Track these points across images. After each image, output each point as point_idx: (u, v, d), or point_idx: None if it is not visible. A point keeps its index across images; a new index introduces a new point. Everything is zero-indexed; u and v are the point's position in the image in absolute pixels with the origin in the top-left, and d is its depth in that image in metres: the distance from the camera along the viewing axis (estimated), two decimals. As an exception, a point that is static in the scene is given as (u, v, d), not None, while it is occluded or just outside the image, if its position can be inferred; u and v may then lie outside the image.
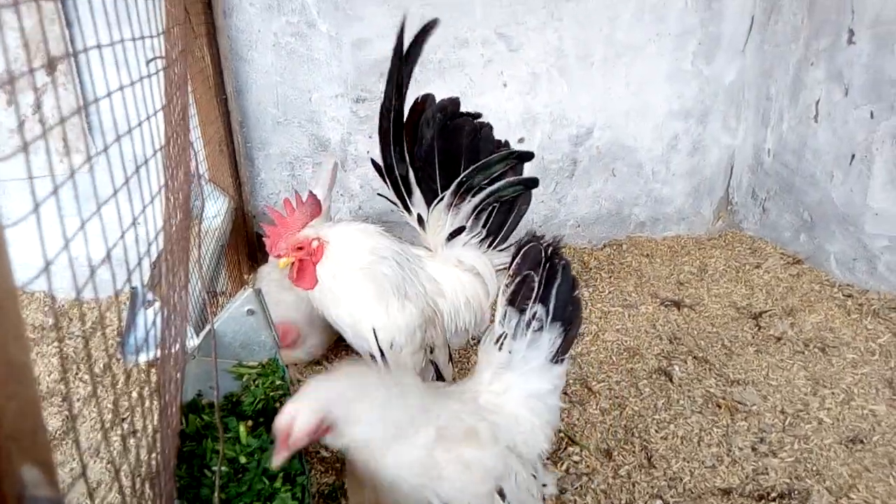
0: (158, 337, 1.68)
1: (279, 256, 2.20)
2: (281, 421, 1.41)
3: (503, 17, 3.54)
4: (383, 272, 2.25)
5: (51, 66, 2.78)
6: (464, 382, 1.91)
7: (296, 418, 1.43)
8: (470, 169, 2.44)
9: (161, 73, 1.70)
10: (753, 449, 2.43)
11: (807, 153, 3.72)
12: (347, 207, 3.74)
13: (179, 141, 1.56)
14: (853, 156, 3.40)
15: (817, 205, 3.67)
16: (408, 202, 2.52)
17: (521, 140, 3.81)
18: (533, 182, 2.53)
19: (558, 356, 1.85)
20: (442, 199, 2.48)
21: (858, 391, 2.71)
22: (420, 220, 2.56)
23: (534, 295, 1.77)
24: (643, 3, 3.70)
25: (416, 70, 3.55)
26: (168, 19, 1.81)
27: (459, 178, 2.44)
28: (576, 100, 3.82)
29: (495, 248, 2.61)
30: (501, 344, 1.81)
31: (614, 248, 4.10)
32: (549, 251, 1.80)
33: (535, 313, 1.78)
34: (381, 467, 1.52)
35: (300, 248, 2.19)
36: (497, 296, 2.67)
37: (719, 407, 2.64)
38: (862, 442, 2.44)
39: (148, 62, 1.78)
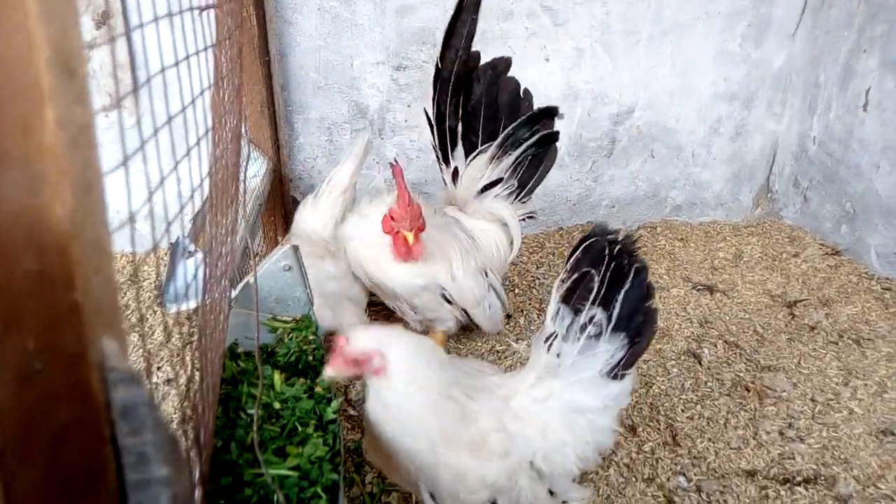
0: (200, 286, 1.72)
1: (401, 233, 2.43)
2: (343, 335, 1.50)
3: (549, -10, 3.50)
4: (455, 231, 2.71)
5: (102, 20, 2.83)
6: (509, 376, 1.78)
7: (358, 337, 1.51)
8: (516, 122, 2.63)
9: (211, 23, 1.73)
10: (781, 434, 2.41)
11: (853, 143, 3.63)
12: (383, 176, 3.75)
13: (231, 87, 1.59)
14: (902, 146, 3.31)
15: (861, 196, 3.59)
16: (449, 155, 2.67)
17: (560, 116, 3.77)
18: (555, 135, 2.78)
19: (618, 370, 1.65)
20: (485, 150, 2.65)
21: (892, 384, 2.67)
22: (455, 174, 2.67)
23: (592, 296, 1.60)
24: (693, -19, 3.62)
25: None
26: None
27: (506, 131, 2.62)
28: (619, 77, 3.77)
29: (520, 199, 2.82)
30: (551, 344, 1.66)
31: (648, 230, 4.06)
32: (617, 249, 1.62)
33: (592, 317, 1.60)
34: (394, 438, 1.52)
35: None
36: (518, 246, 2.78)
37: (748, 391, 2.63)
38: (893, 434, 2.41)
39: (200, 11, 1.80)
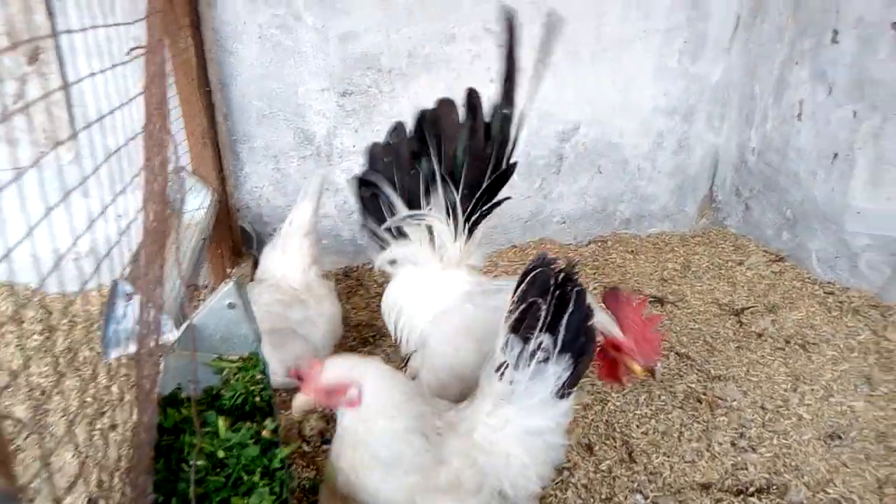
0: (137, 331, 1.66)
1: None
2: (315, 365, 1.52)
3: (491, 13, 3.53)
4: None
5: (33, 56, 2.74)
6: (464, 408, 1.78)
7: (334, 366, 1.54)
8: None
9: (142, 63, 1.69)
10: (733, 444, 2.45)
11: (790, 152, 3.75)
12: (333, 202, 3.72)
13: (157, 130, 1.55)
14: (836, 155, 3.43)
15: (800, 203, 3.70)
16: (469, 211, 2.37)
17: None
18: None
19: (565, 390, 1.70)
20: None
21: (837, 387, 2.74)
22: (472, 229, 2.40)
23: (540, 324, 1.64)
24: (630, 0, 3.70)
25: (403, 64, 3.55)
26: (149, 7, 1.79)
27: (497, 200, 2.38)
28: (563, 95, 3.83)
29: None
30: (503, 373, 1.69)
31: (599, 244, 4.12)
32: (561, 277, 1.66)
33: (540, 343, 1.64)
34: (362, 482, 1.54)
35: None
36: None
37: (700, 402, 2.67)
38: (840, 437, 2.47)
39: (128, 52, 1.76)
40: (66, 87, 2.88)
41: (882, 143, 3.16)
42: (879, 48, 3.13)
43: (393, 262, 2.50)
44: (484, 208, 2.35)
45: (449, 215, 2.34)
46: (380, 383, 1.58)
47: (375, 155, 2.42)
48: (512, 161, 2.33)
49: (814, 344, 3.03)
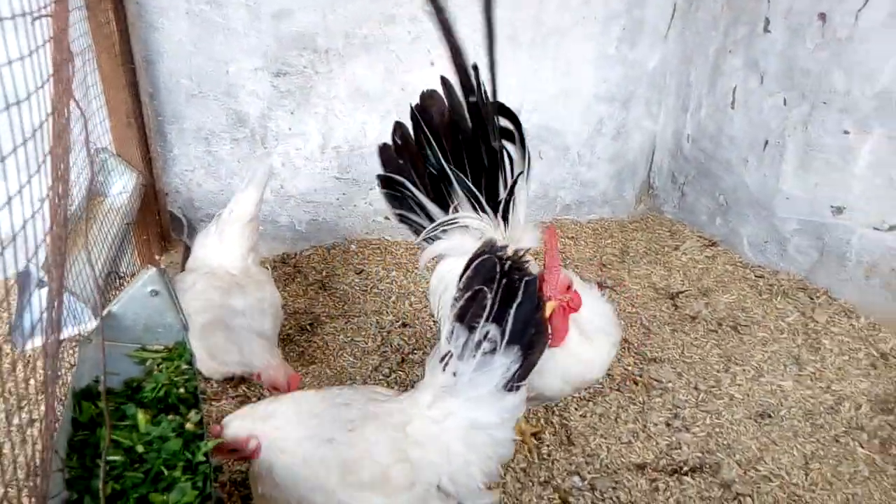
0: (45, 322, 1.55)
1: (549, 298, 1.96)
2: (216, 426, 1.57)
3: (430, -6, 3.47)
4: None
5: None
6: (401, 399, 1.72)
7: (230, 425, 1.58)
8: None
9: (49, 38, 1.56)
10: (668, 424, 2.49)
11: (723, 139, 3.83)
12: (269, 187, 3.59)
13: (65, 112, 1.44)
14: (767, 142, 3.52)
15: (732, 190, 3.79)
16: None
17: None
18: None
19: (513, 383, 1.63)
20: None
21: (768, 368, 2.82)
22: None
23: (486, 313, 1.58)
24: (570, -15, 3.70)
25: (340, 45, 3.46)
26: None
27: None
28: (504, 81, 3.75)
29: None
30: (447, 363, 1.63)
31: (541, 230, 4.12)
32: (508, 266, 1.60)
33: (486, 333, 1.58)
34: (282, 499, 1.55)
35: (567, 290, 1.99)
36: None
37: (636, 384, 2.70)
38: (770, 416, 2.54)
39: (34, 19, 1.63)
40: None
41: (810, 130, 3.26)
42: (807, 38, 3.22)
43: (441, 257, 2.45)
44: (506, 192, 2.31)
45: (476, 209, 2.32)
46: (276, 432, 1.58)
47: (388, 158, 2.39)
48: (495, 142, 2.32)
49: (745, 326, 3.11)
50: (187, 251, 3.32)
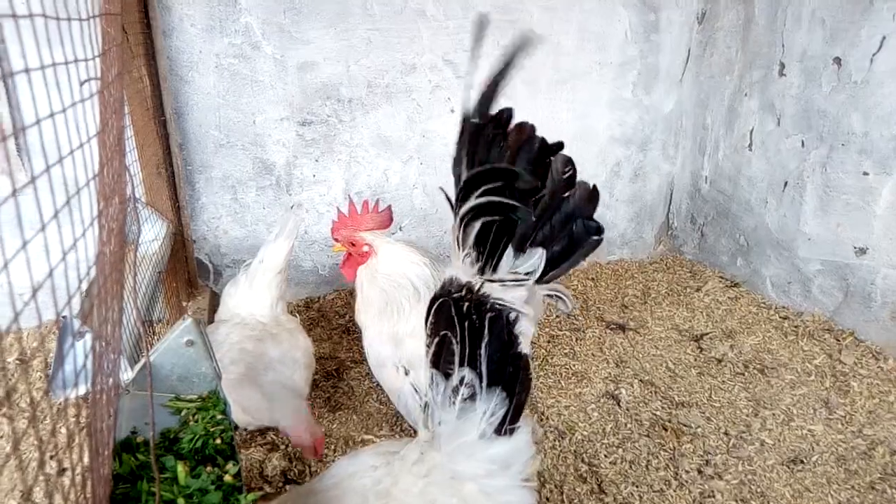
0: (90, 372, 1.58)
1: (336, 241, 2.53)
2: None
3: (450, 45, 3.57)
4: (399, 299, 2.41)
5: (-25, 83, 2.63)
6: (396, 459, 1.63)
7: None
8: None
9: (96, 96, 1.63)
10: (699, 472, 2.46)
11: (742, 180, 3.86)
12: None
13: (115, 166, 1.49)
14: (786, 183, 3.54)
15: (752, 230, 3.80)
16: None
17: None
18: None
19: (505, 427, 1.52)
20: None
21: (797, 411, 2.79)
22: None
23: (457, 358, 1.49)
24: (585, 33, 3.79)
25: (363, 94, 3.55)
26: (104, 39, 1.74)
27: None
28: (522, 126, 3.86)
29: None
30: (430, 413, 1.55)
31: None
32: (465, 305, 1.49)
33: (462, 378, 1.49)
34: None
35: (353, 245, 2.49)
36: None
37: (665, 430, 2.67)
38: (802, 462, 2.50)
39: (82, 84, 1.70)
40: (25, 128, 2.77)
41: (829, 171, 3.28)
42: (823, 81, 3.26)
43: None
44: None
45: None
46: None
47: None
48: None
49: (772, 368, 3.09)
50: (213, 297, 3.36)
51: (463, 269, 2.15)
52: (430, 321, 1.52)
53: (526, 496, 1.62)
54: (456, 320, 1.48)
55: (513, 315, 1.51)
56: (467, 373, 1.49)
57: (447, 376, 1.50)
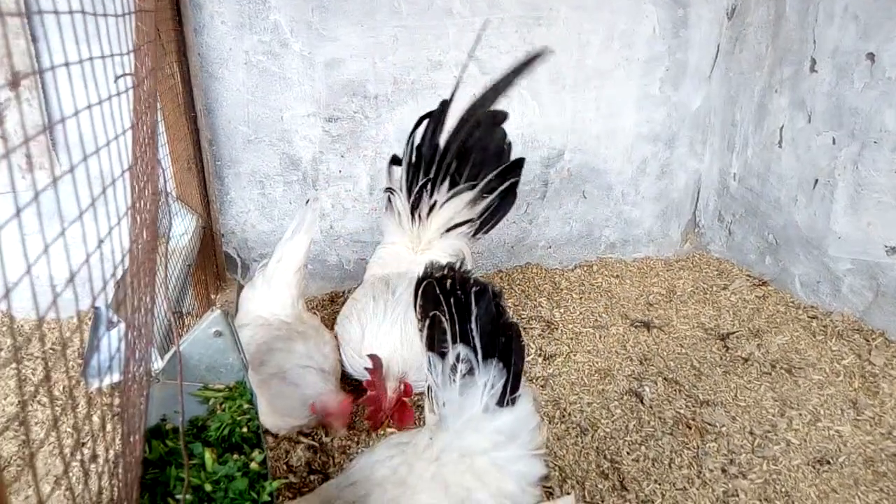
0: (122, 360, 1.63)
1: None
2: None
3: (475, 40, 3.57)
4: None
5: (14, 81, 2.71)
6: (409, 449, 1.65)
7: None
8: (499, 169, 2.92)
9: (129, 91, 1.67)
10: (723, 470, 2.44)
11: (771, 178, 3.80)
12: (319, 226, 3.70)
13: (147, 160, 1.53)
14: (816, 181, 3.48)
15: (781, 228, 3.75)
16: (434, 189, 2.87)
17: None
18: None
19: (507, 397, 1.56)
20: (466, 191, 2.90)
21: (824, 412, 2.75)
22: (432, 208, 2.88)
23: (449, 336, 1.54)
24: (612, 30, 3.76)
25: (389, 90, 3.57)
26: (138, 36, 1.78)
27: (489, 177, 2.89)
28: (547, 122, 3.86)
29: (475, 237, 3.07)
30: (433, 396, 1.60)
31: (585, 269, 4.13)
32: (449, 284, 1.55)
33: (458, 355, 1.54)
34: None
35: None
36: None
37: (689, 428, 2.66)
38: (829, 462, 2.47)
39: (116, 79, 1.74)
40: (61, 121, 2.85)
41: (861, 169, 3.22)
42: (856, 77, 3.21)
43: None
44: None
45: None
46: None
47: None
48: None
49: (799, 368, 3.05)
50: (240, 290, 3.41)
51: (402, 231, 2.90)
52: (419, 304, 1.58)
53: (536, 465, 1.65)
54: (442, 298, 1.54)
55: (497, 287, 1.61)
56: (461, 348, 1.54)
57: (442, 356, 1.56)
